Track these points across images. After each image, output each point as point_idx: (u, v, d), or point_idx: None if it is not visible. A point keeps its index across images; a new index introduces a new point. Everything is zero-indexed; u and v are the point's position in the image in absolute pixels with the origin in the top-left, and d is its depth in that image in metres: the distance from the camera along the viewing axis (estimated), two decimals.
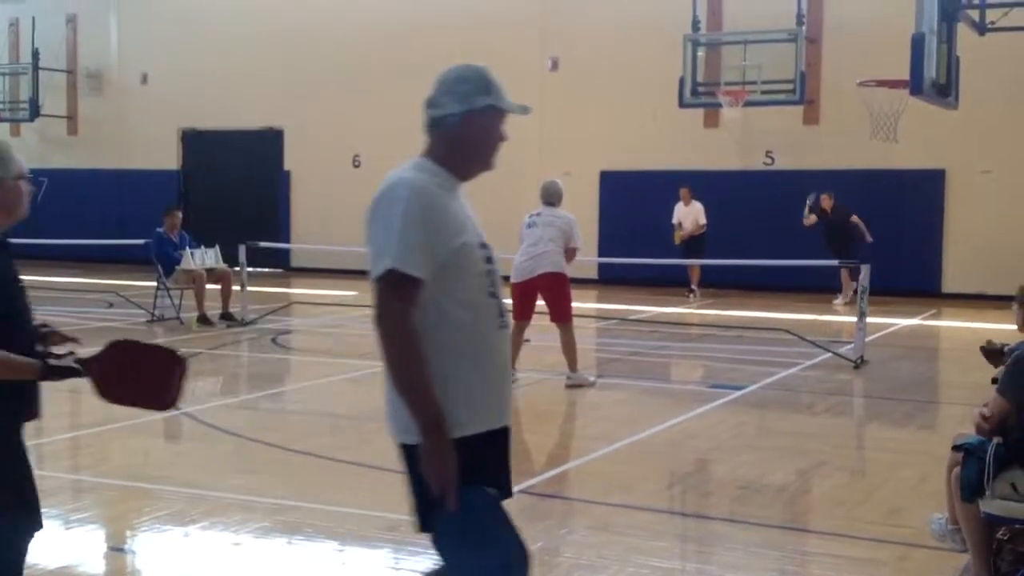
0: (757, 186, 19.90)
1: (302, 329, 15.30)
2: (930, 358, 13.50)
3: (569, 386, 10.05)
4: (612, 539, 5.72)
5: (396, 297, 3.00)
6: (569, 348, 10.08)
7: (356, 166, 23.28)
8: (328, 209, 23.06)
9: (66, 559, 5.22)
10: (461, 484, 3.01)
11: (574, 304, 10.37)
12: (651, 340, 14.02)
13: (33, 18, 25.36)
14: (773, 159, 20.14)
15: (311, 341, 14.25)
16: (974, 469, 4.63)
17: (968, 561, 4.93)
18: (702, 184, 19.28)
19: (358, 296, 18.36)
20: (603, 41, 20.59)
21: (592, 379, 10.28)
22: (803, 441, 8.24)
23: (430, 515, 3.12)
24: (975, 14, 13.28)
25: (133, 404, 3.61)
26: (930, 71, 11.83)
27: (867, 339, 11.84)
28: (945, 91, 12.60)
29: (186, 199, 24.38)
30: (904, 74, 12.01)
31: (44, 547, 3.65)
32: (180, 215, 15.13)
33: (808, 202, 17.91)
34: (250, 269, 14.69)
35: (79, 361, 3.46)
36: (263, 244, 16.45)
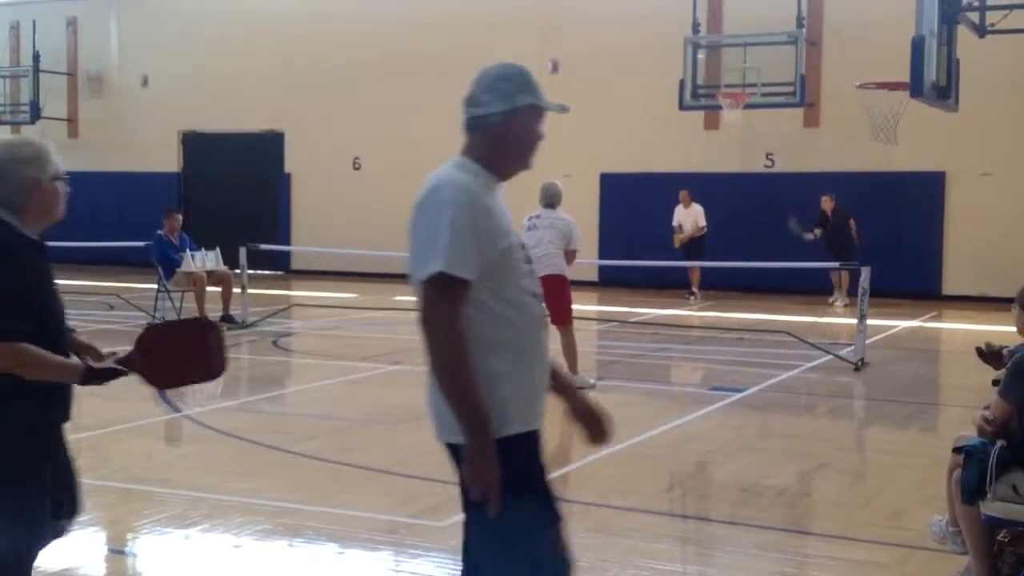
0: (757, 188, 19.90)
1: (303, 331, 15.30)
2: (931, 360, 13.50)
3: None
4: (612, 541, 5.71)
5: (445, 299, 2.97)
6: (569, 350, 10.07)
7: (356, 168, 23.30)
8: (329, 211, 23.08)
9: (67, 562, 5.21)
10: (504, 490, 2.98)
11: (574, 306, 10.36)
12: (651, 342, 14.02)
13: (34, 21, 25.38)
14: (773, 161, 20.14)
15: (312, 343, 14.25)
16: (975, 471, 4.62)
17: (969, 563, 4.92)
18: (702, 186, 19.28)
19: (358, 298, 18.37)
20: (603, 43, 20.60)
21: (592, 381, 10.27)
22: (804, 443, 8.24)
23: (470, 515, 3.11)
24: (975, 16, 13.29)
25: (186, 383, 3.67)
26: (930, 73, 11.83)
27: (867, 341, 11.84)
28: (945, 93, 12.60)
29: (187, 201, 24.41)
30: (904, 76, 12.01)
31: (45, 549, 3.66)
32: (180, 217, 15.14)
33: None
34: (251, 271, 14.69)
35: (119, 361, 3.50)
36: (264, 246, 16.46)
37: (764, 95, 19.09)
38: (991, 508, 4.62)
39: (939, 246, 19.12)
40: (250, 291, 14.78)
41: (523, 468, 3.07)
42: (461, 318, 2.98)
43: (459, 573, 3.25)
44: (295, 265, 23.46)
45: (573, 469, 7.52)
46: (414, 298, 3.09)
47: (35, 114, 25.36)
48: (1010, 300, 5.36)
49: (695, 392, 10.82)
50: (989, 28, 13.32)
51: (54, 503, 3.57)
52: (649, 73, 20.11)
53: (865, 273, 11.69)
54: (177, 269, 14.38)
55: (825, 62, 19.55)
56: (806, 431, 8.84)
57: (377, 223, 22.22)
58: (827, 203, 17.97)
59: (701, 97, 19.66)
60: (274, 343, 13.36)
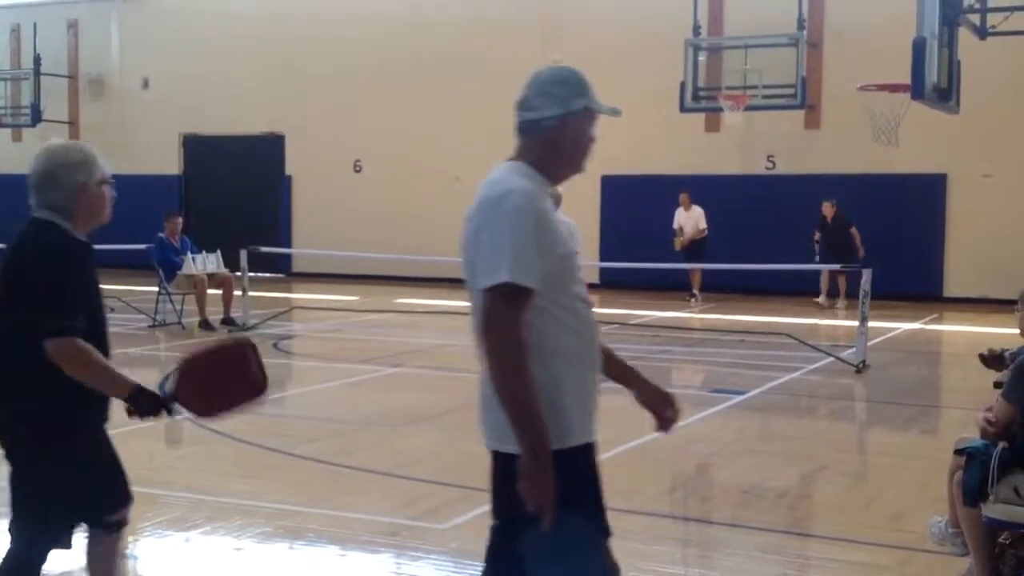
0: (758, 191, 19.90)
1: (303, 334, 15.31)
2: (932, 362, 13.49)
3: None
4: (613, 543, 5.68)
5: (509, 308, 2.93)
6: None
7: (357, 171, 23.31)
8: (329, 214, 23.09)
9: (67, 564, 5.21)
10: (559, 505, 2.93)
11: None
12: (652, 344, 14.01)
13: (35, 24, 25.38)
14: (774, 163, 20.14)
15: (312, 346, 14.25)
16: (976, 473, 4.62)
17: (970, 565, 4.92)
18: (703, 188, 19.28)
19: (359, 301, 18.38)
20: (604, 45, 20.58)
21: None
22: (805, 445, 8.24)
23: (519, 527, 3.04)
24: (976, 18, 13.30)
25: (231, 410, 3.68)
26: (931, 75, 11.83)
27: (869, 343, 11.83)
28: (946, 95, 12.60)
29: (187, 204, 24.41)
30: (905, 78, 12.01)
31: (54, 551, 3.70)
32: (180, 220, 15.15)
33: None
34: (251, 274, 14.69)
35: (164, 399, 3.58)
36: (264, 249, 16.45)
37: (765, 97, 19.09)
38: (992, 510, 4.61)
39: (940, 248, 19.11)
40: (251, 293, 14.77)
41: (580, 481, 3.05)
42: (523, 327, 2.94)
43: (464, 575, 3.24)
44: (296, 267, 23.46)
45: None
46: (470, 304, 3.07)
47: (36, 117, 25.36)
48: (1011, 302, 5.37)
49: (696, 394, 10.80)
50: (990, 30, 13.33)
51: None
52: (650, 75, 20.10)
53: (866, 275, 11.69)
54: (178, 272, 14.39)
55: (826, 64, 19.55)
56: (807, 433, 8.84)
57: (378, 225, 22.26)
58: (828, 209, 17.98)
59: (702, 99, 19.66)
60: (275, 345, 13.36)
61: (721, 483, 7.32)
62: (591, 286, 19.41)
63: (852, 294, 16.05)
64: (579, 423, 3.05)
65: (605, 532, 3.14)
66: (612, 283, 20.00)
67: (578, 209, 14.60)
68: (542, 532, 2.95)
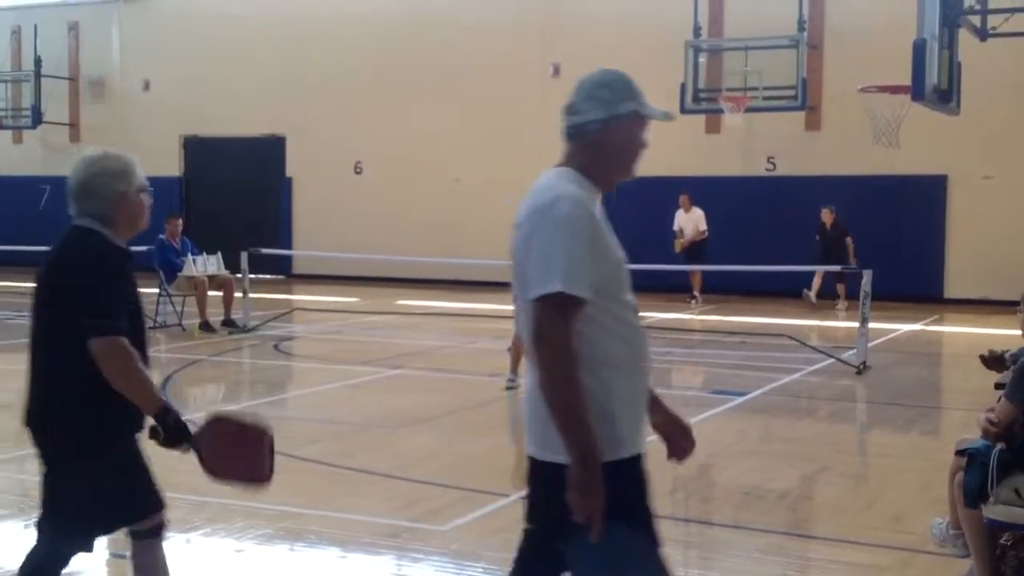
0: (759, 192, 19.90)
1: (304, 335, 15.31)
2: (932, 363, 13.49)
3: None
4: None
5: (561, 318, 2.90)
6: None
7: (358, 172, 23.31)
8: (330, 215, 23.09)
9: (68, 566, 5.20)
10: (610, 517, 2.91)
11: None
12: (653, 346, 13.88)
13: (35, 25, 25.39)
14: (774, 165, 20.14)
15: (313, 347, 14.25)
16: (977, 474, 4.61)
17: (971, 566, 4.92)
18: (703, 190, 19.27)
19: (360, 302, 18.38)
20: (605, 47, 20.49)
21: None
22: (806, 447, 8.24)
23: (566, 536, 3.01)
24: (976, 20, 13.30)
25: (234, 480, 3.74)
26: (932, 77, 11.83)
27: (869, 345, 11.83)
28: (947, 96, 12.60)
29: (188, 206, 24.41)
30: (906, 80, 12.02)
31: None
32: (181, 222, 15.16)
33: None
34: (252, 275, 14.70)
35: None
36: (265, 250, 16.45)
37: (765, 98, 19.08)
38: (993, 511, 4.61)
39: (941, 249, 19.11)
40: (251, 295, 14.77)
41: (630, 492, 3.03)
42: (575, 337, 2.92)
43: None
44: (296, 269, 23.47)
45: None
46: (516, 310, 3.05)
47: (36, 119, 25.37)
48: (1012, 303, 5.37)
49: (697, 396, 10.80)
50: (990, 31, 13.34)
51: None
52: (650, 77, 19.66)
53: (867, 276, 11.68)
54: (179, 273, 14.39)
55: (826, 65, 19.55)
56: (808, 434, 8.84)
57: (378, 227, 22.25)
58: (827, 215, 17.99)
59: (702, 101, 19.65)
60: (275, 347, 13.36)
61: (722, 484, 7.31)
62: None
63: (852, 295, 16.05)
64: (629, 434, 3.03)
65: (657, 543, 3.11)
66: None
67: None
68: (592, 543, 2.92)
